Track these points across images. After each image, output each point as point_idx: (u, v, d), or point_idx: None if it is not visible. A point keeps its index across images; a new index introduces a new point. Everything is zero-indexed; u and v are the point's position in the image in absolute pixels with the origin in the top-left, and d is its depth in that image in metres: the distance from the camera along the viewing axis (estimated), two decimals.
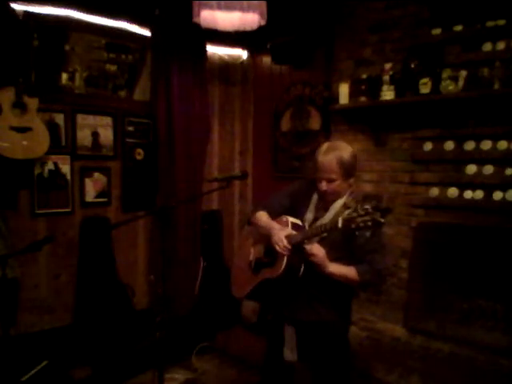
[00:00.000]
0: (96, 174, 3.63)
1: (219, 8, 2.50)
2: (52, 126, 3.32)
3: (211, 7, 2.51)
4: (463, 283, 3.13)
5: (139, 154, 3.86)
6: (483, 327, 3.04)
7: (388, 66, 3.26)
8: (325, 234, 1.89)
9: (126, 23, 3.64)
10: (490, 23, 2.86)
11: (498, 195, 2.87)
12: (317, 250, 1.87)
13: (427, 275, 3.25)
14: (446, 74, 2.96)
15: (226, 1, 2.47)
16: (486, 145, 2.92)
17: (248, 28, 2.69)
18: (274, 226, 2.06)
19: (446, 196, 3.09)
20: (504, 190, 2.84)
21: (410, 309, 3.27)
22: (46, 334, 3.35)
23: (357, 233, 1.71)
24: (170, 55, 3.76)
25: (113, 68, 3.73)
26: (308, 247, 1.89)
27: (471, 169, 2.98)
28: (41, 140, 3.10)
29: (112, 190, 3.73)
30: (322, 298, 2.08)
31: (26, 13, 3.09)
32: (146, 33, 3.75)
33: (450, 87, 2.94)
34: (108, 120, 3.67)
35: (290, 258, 1.96)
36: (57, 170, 3.41)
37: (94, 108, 3.60)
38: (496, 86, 2.77)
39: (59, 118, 3.40)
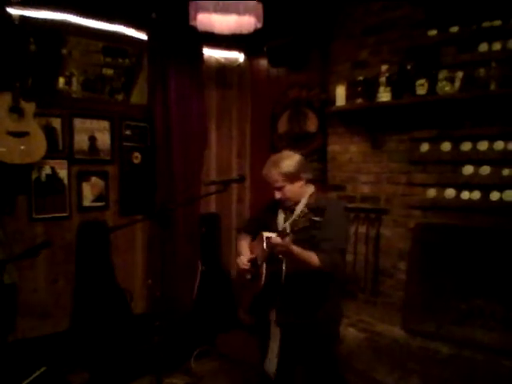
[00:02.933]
0: (93, 178, 3.62)
1: (216, 11, 2.51)
2: (49, 131, 3.31)
3: (208, 10, 2.52)
4: (461, 284, 3.13)
5: (137, 158, 3.85)
6: (482, 328, 3.04)
7: (384, 67, 3.27)
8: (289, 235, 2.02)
9: (122, 27, 3.63)
10: (485, 24, 2.88)
11: (495, 196, 2.87)
12: (275, 240, 2.01)
13: (425, 276, 3.25)
14: (442, 75, 2.97)
15: (223, 1, 2.48)
16: (483, 145, 2.93)
17: (244, 31, 2.71)
18: (239, 251, 2.40)
19: (444, 197, 3.10)
20: (501, 191, 2.85)
21: (409, 310, 3.27)
22: (43, 339, 3.32)
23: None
24: (167, 59, 3.76)
25: (110, 72, 3.72)
26: (270, 242, 2.05)
27: (468, 169, 2.99)
28: (38, 144, 3.09)
29: (110, 194, 3.71)
30: (306, 300, 2.23)
31: (23, 17, 3.08)
32: (143, 36, 3.75)
33: (447, 88, 2.95)
34: (105, 124, 3.66)
35: (268, 270, 2.18)
36: (54, 175, 3.39)
37: (91, 112, 3.58)
38: (492, 87, 2.78)
39: (56, 123, 3.39)
